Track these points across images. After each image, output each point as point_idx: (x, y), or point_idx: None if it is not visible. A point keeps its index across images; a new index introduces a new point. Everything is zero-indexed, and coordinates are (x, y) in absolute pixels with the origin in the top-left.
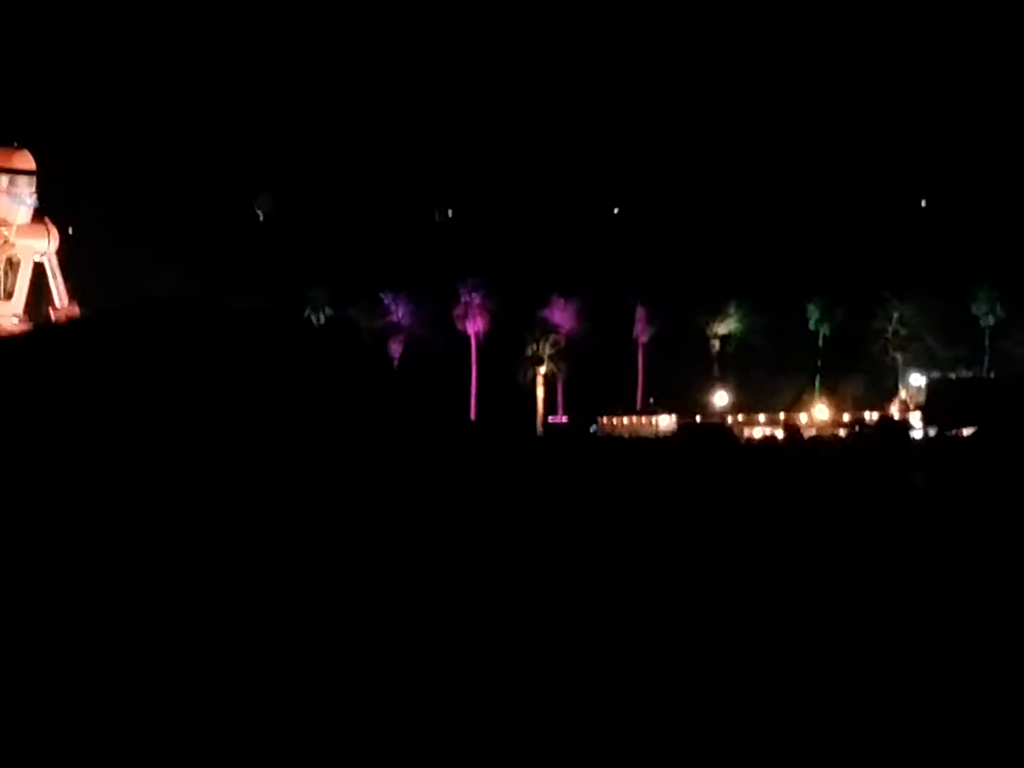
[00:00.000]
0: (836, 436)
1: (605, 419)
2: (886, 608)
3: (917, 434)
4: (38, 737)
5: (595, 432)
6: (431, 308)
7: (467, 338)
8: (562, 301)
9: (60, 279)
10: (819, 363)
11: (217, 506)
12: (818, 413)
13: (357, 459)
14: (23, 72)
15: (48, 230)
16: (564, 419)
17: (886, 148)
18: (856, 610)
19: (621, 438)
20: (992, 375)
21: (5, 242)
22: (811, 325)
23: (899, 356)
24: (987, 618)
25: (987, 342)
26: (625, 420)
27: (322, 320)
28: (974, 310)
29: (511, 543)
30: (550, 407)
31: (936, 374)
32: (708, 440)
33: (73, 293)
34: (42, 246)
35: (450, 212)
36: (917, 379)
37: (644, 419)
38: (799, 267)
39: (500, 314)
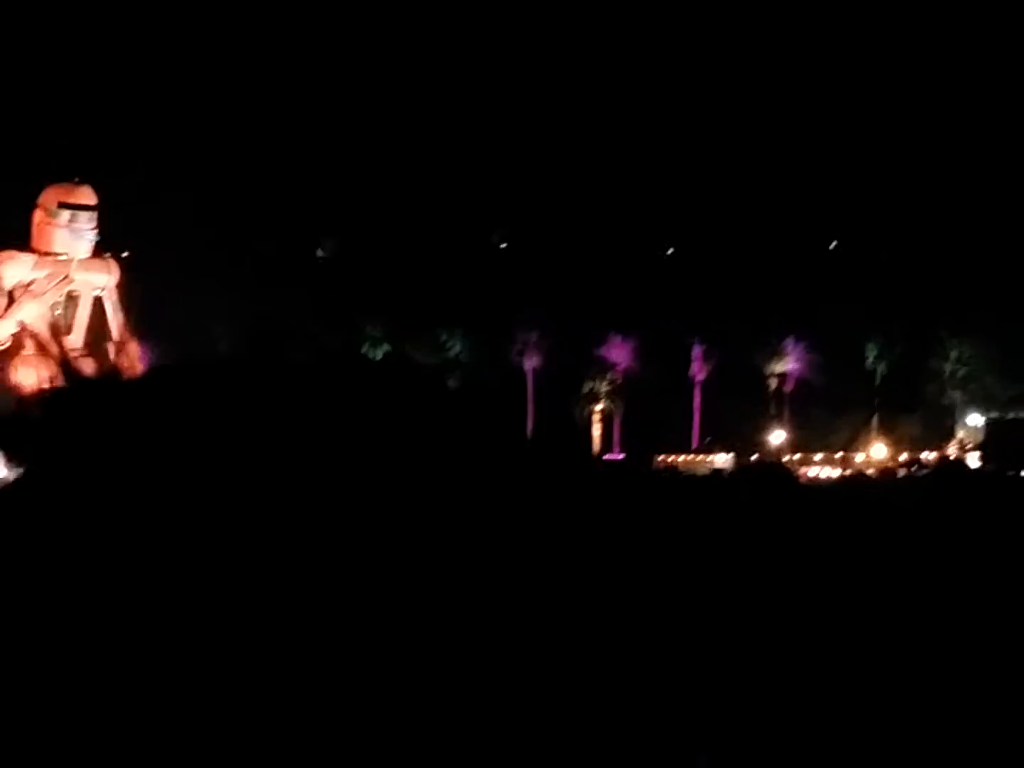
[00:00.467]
0: (895, 476)
1: (661, 457)
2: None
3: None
4: (38, 736)
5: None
6: (488, 345)
7: (524, 375)
8: (619, 338)
9: (120, 314)
10: (876, 402)
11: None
12: (875, 452)
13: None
14: (84, 107)
15: (108, 265)
16: (620, 456)
17: (945, 186)
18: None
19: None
20: None
21: (66, 277)
22: (868, 364)
23: (957, 395)
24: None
25: None
26: (681, 458)
27: (378, 356)
28: None
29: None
30: (606, 444)
31: (994, 414)
32: (766, 479)
33: (132, 328)
34: (102, 281)
35: (504, 245)
36: (975, 419)
37: (700, 457)
38: (857, 305)
39: (557, 351)
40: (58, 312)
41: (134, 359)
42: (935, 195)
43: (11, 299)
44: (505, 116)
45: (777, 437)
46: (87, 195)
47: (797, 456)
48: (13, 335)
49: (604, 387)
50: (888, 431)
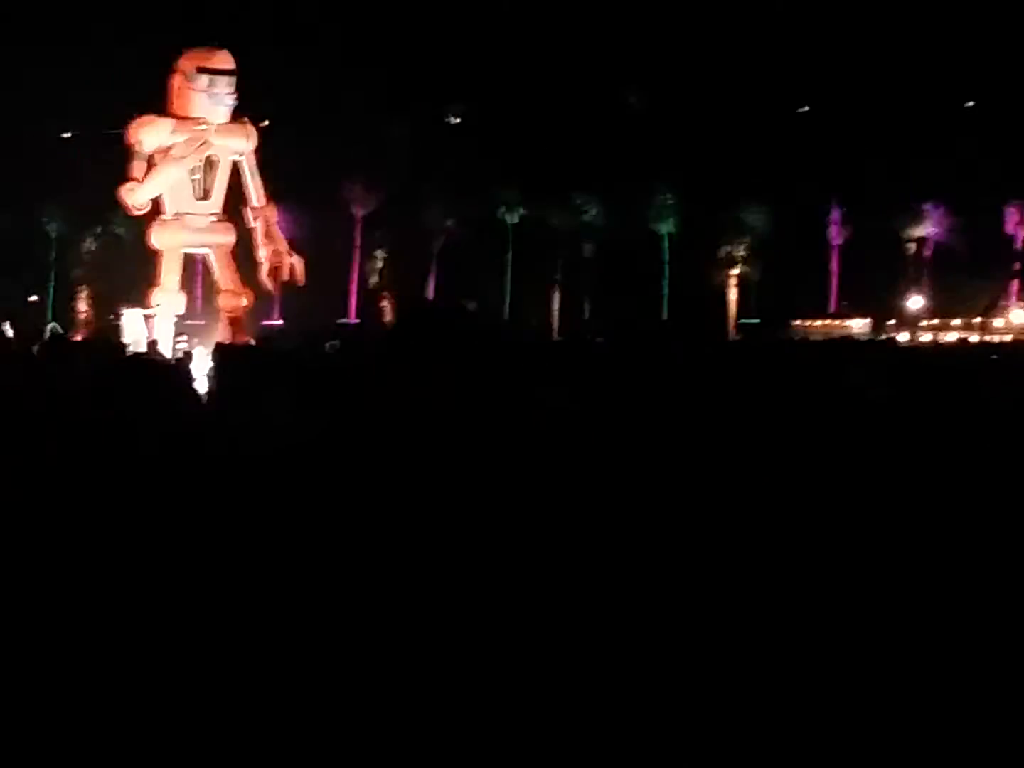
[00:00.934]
0: None
1: (798, 322)
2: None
3: None
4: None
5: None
6: (624, 208)
7: (659, 238)
8: (756, 202)
9: (257, 179)
10: (1016, 267)
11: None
12: (1015, 318)
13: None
14: None
15: (247, 130)
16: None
17: None
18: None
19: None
20: None
21: (205, 142)
22: (1008, 229)
23: None
24: None
25: None
26: (818, 323)
27: (516, 220)
28: None
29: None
30: (744, 310)
31: None
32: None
33: (269, 193)
34: (240, 146)
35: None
36: None
37: (838, 322)
38: (996, 169)
39: (693, 215)
40: (196, 177)
41: (272, 223)
42: None
43: (150, 164)
44: None
45: (915, 303)
46: (225, 60)
47: (936, 321)
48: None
49: (740, 251)
50: None
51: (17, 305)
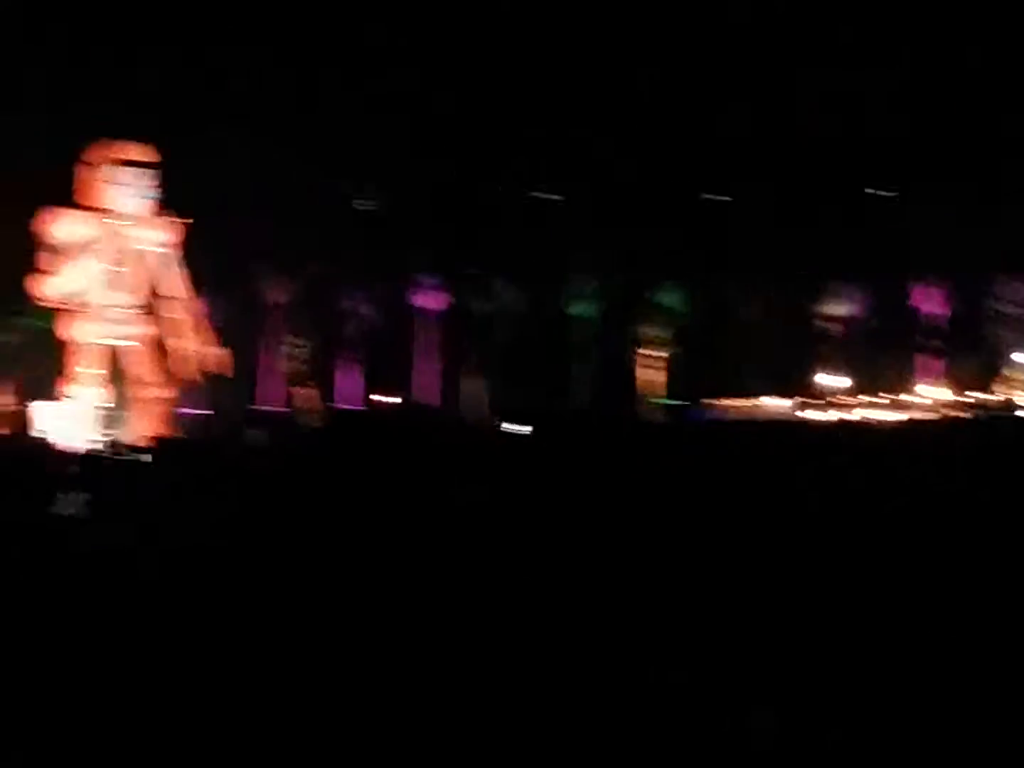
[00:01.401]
0: (947, 417)
1: (714, 401)
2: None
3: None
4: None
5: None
6: (541, 291)
7: (575, 320)
8: (672, 283)
9: (176, 270)
10: (934, 344)
11: None
12: (934, 394)
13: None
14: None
15: (165, 222)
16: (674, 402)
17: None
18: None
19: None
20: None
21: (123, 234)
22: (925, 306)
23: (1006, 336)
24: None
25: None
26: (735, 402)
27: (432, 306)
28: None
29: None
30: (660, 390)
31: None
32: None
33: (189, 284)
34: (159, 237)
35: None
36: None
37: (752, 402)
38: (912, 247)
39: (608, 297)
40: (116, 269)
41: (192, 314)
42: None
43: (69, 256)
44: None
45: (834, 380)
46: (143, 152)
47: (851, 399)
48: (69, 292)
49: (657, 333)
50: (947, 373)
51: None
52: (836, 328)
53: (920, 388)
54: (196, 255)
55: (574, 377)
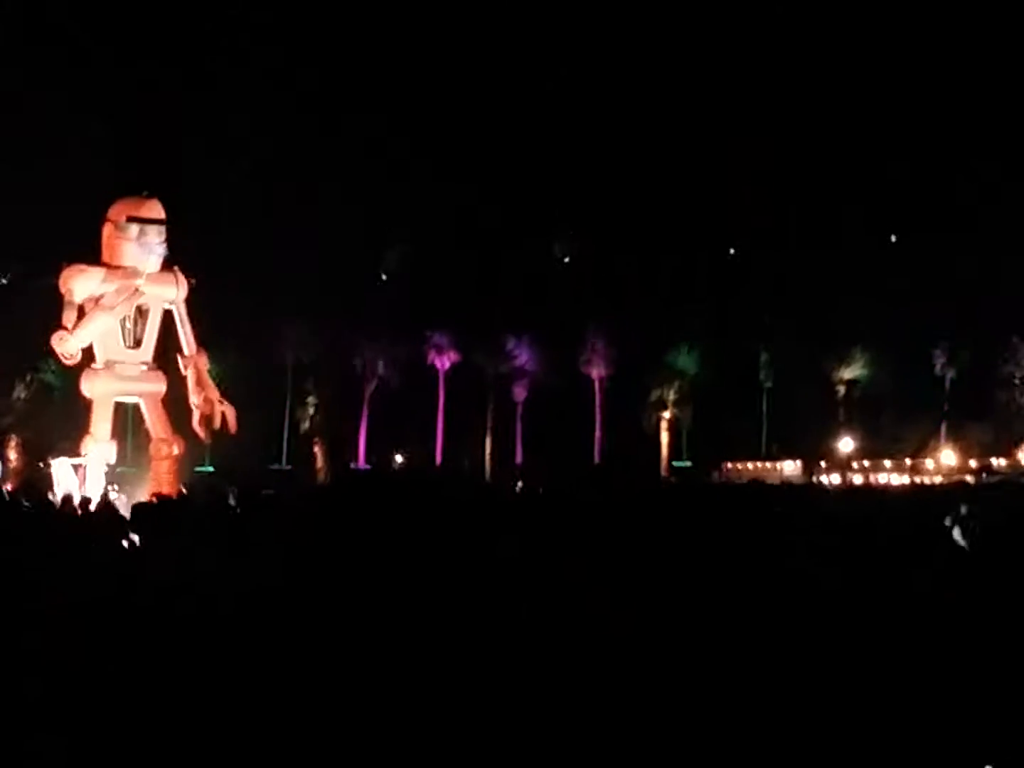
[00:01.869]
0: (963, 483)
1: (729, 464)
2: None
3: None
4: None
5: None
6: (554, 352)
7: (591, 382)
8: (686, 347)
9: (188, 327)
10: (945, 408)
11: None
12: (944, 459)
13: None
14: (155, 123)
15: (177, 279)
16: (688, 464)
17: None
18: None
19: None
20: None
21: (136, 291)
22: (937, 370)
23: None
24: None
25: None
26: (749, 466)
27: (446, 365)
28: None
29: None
30: (675, 452)
31: None
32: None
33: (201, 342)
34: (171, 294)
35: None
36: None
37: (769, 465)
38: (925, 312)
39: (624, 359)
40: (127, 326)
41: (203, 371)
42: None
43: (81, 312)
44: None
45: (845, 444)
46: (155, 209)
47: (867, 462)
48: (82, 349)
49: (671, 395)
50: (958, 437)
51: None
52: (852, 391)
53: (936, 452)
54: (208, 312)
55: (590, 438)
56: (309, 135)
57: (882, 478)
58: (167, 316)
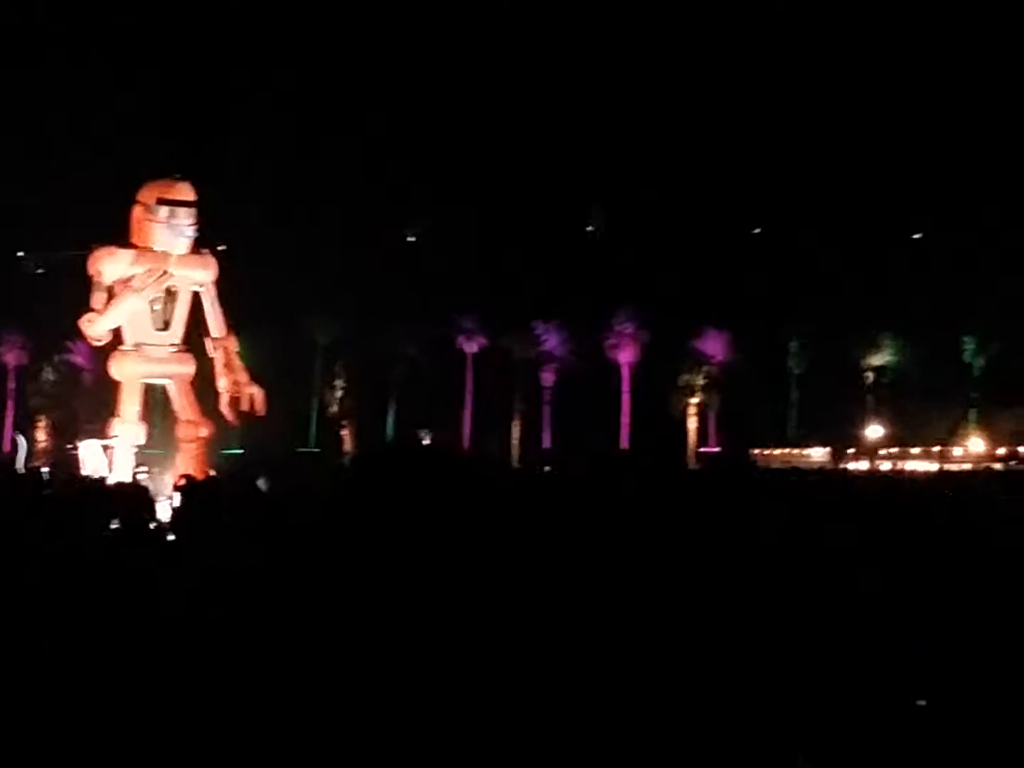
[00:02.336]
0: (990, 470)
1: (757, 451)
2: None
3: None
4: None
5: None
6: (583, 337)
7: (619, 368)
8: (715, 332)
9: (217, 309)
10: (974, 396)
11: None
12: (973, 446)
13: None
14: (182, 104)
15: (207, 261)
16: (717, 450)
17: None
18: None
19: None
20: None
21: (165, 272)
22: (966, 358)
23: None
24: None
25: None
26: (777, 451)
27: (475, 349)
28: None
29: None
30: (702, 437)
31: None
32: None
33: (230, 323)
34: (201, 276)
35: (599, 233)
36: None
37: (797, 451)
38: (955, 299)
39: (652, 344)
40: (156, 308)
41: (232, 353)
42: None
43: (111, 294)
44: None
45: (874, 431)
46: (186, 191)
47: (895, 449)
48: (111, 331)
49: (700, 380)
50: (986, 425)
51: None
52: (881, 379)
53: (965, 440)
54: (237, 294)
55: (617, 423)
56: (337, 115)
57: (910, 465)
58: (196, 298)
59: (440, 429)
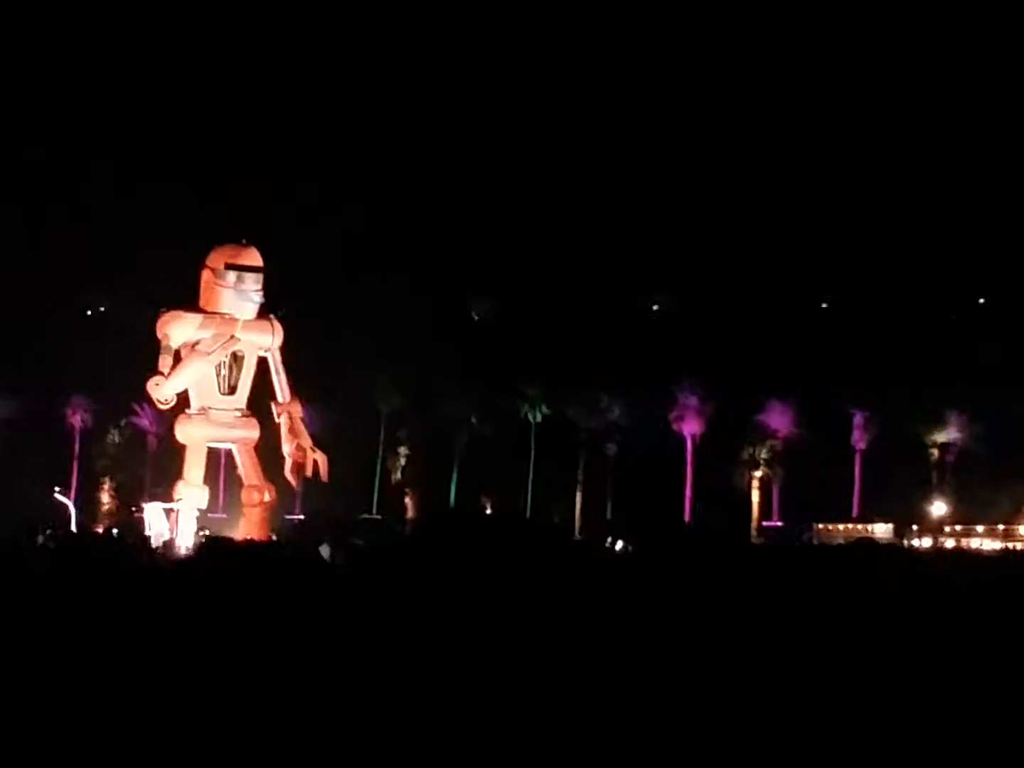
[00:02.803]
0: None
1: (821, 525)
2: None
3: None
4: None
5: (809, 538)
6: (648, 409)
7: (683, 440)
8: (779, 405)
9: (283, 375)
10: None
11: None
12: None
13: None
14: (256, 170)
15: (272, 326)
16: (779, 524)
17: None
18: None
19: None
20: None
21: (231, 337)
22: None
23: None
24: None
25: None
26: (840, 527)
27: (538, 419)
28: None
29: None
30: (765, 511)
31: None
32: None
33: (295, 389)
34: (266, 342)
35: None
36: None
37: (860, 527)
38: (1020, 377)
39: (716, 417)
40: (222, 372)
41: (296, 418)
42: None
43: (178, 358)
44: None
45: (938, 508)
46: (253, 257)
47: (959, 527)
48: (177, 394)
49: (764, 454)
50: None
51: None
52: (946, 455)
53: None
54: (303, 360)
55: (680, 495)
56: (401, 186)
57: (974, 543)
58: (262, 363)
59: (502, 498)
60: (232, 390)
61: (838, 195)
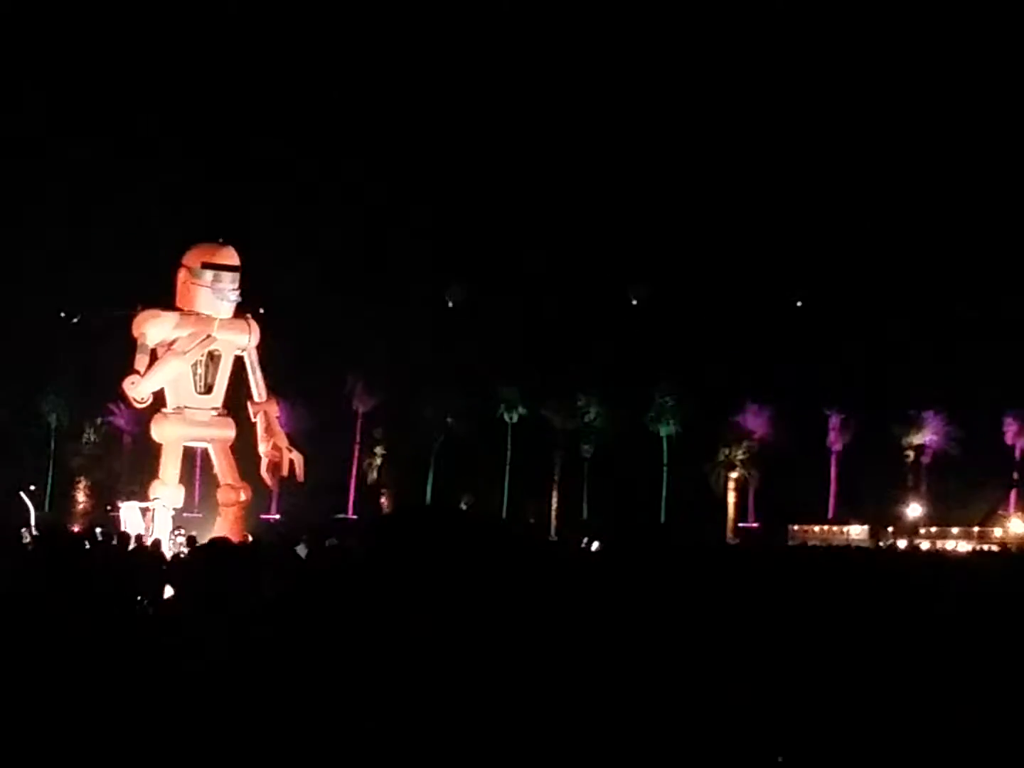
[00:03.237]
0: None
1: (796, 527)
2: None
3: None
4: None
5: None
6: (624, 410)
7: (659, 440)
8: (755, 406)
9: (259, 374)
10: (1015, 477)
11: None
12: (1014, 527)
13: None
14: (230, 169)
15: (249, 325)
16: (755, 525)
17: None
18: None
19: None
20: None
21: (208, 336)
22: (1008, 439)
23: None
24: None
25: None
26: (816, 528)
27: (515, 419)
28: None
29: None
30: (741, 512)
31: None
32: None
33: (271, 389)
34: (243, 341)
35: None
36: None
37: (836, 528)
38: (997, 379)
39: (692, 417)
40: (198, 371)
41: (272, 418)
42: None
43: (154, 357)
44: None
45: (913, 510)
46: (230, 256)
47: (934, 529)
48: (153, 393)
49: (740, 455)
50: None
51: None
52: (921, 457)
53: (1005, 522)
54: (278, 358)
55: (656, 496)
56: (377, 183)
57: (949, 545)
58: (238, 362)
59: (478, 497)
60: (208, 389)
61: (813, 194)
